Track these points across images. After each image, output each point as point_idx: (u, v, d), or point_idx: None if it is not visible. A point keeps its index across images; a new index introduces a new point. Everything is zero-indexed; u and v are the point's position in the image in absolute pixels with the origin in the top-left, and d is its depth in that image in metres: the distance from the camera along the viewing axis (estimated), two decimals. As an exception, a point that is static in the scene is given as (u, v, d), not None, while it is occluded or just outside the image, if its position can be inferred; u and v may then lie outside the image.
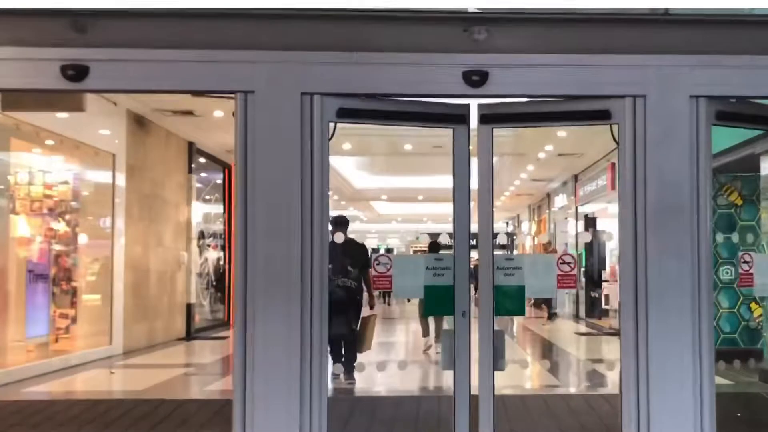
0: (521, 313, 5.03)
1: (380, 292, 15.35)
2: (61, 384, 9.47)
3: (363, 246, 9.23)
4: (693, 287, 4.54)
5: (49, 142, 10.82)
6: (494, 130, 4.69)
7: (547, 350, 13.60)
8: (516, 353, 12.92)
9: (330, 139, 4.50)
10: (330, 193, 16.96)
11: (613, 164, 15.44)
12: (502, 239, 34.43)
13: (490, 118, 4.69)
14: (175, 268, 14.03)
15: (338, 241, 7.98)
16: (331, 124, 4.49)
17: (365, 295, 8.94)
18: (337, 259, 8.42)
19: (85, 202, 11.64)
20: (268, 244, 4.36)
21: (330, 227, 8.99)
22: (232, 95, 4.44)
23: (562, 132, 14.14)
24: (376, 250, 47.53)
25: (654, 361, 4.52)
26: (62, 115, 10.47)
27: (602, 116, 4.66)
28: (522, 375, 9.88)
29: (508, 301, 4.83)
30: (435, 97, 4.64)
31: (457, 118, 4.72)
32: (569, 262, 4.89)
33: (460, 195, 4.77)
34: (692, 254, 4.55)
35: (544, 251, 19.74)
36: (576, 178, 19.13)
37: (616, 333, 14.62)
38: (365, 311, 8.96)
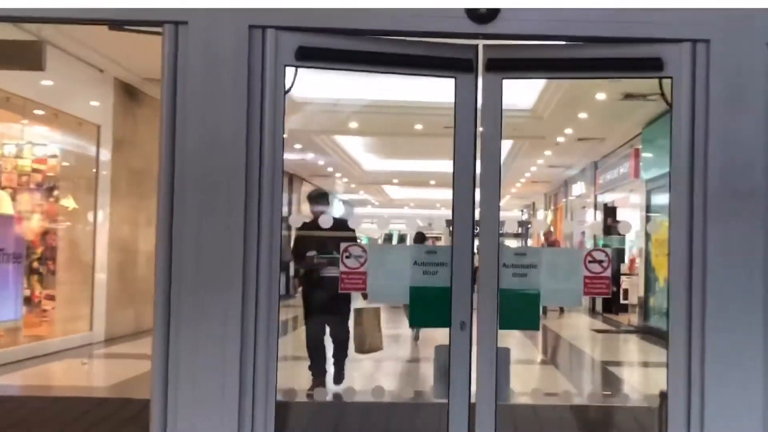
0: (534, 326, 3.82)
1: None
2: (23, 377, 8.37)
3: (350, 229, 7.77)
4: (766, 294, 3.33)
5: (24, 109, 9.73)
6: (506, 81, 3.48)
7: (561, 349, 12.39)
8: (526, 352, 11.72)
9: (288, 91, 3.31)
10: (338, 174, 15.78)
11: (637, 150, 14.16)
12: (511, 227, 31.65)
13: (500, 64, 3.45)
14: (169, 249, 12.91)
15: (323, 223, 6.62)
16: (290, 69, 3.30)
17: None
18: (320, 245, 7.05)
19: (66, 177, 10.58)
20: (201, 222, 3.18)
21: (310, 206, 7.67)
22: (159, 29, 3.26)
23: (583, 113, 12.87)
24: (389, 237, 45.69)
25: (711, 390, 3.32)
26: (46, 82, 9.49)
27: (650, 66, 3.42)
28: (532, 379, 8.70)
29: (517, 311, 3.63)
30: (428, 37, 3.42)
31: (461, 63, 3.48)
32: (601, 261, 3.66)
33: (461, 167, 3.59)
34: (766, 252, 3.34)
35: (545, 242, 18.16)
36: (596, 165, 17.84)
37: (636, 331, 13.46)
38: (360, 303, 7.52)
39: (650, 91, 12.25)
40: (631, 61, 3.42)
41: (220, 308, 3.18)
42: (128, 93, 11.45)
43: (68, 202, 10.58)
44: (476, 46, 3.49)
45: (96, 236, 10.80)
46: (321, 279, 6.94)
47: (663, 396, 3.94)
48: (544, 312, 16.71)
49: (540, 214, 29.33)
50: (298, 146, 16.26)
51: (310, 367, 7.15)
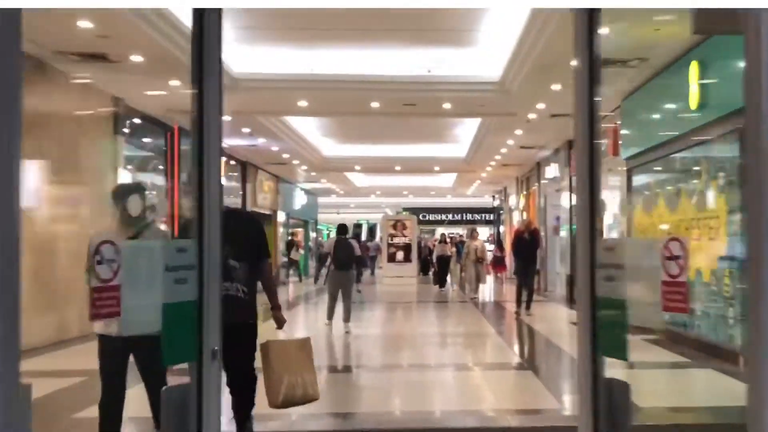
0: (621, 355, 2.49)
1: (327, 269, 11.90)
2: None
3: (254, 222, 5.18)
4: None
5: None
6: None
7: (537, 348, 10.91)
8: (502, 354, 10.26)
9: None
10: (296, 162, 13.90)
11: (615, 126, 12.73)
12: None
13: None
14: (97, 247, 11.24)
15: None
16: None
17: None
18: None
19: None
20: None
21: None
22: None
23: (555, 85, 11.41)
24: (358, 226, 42.58)
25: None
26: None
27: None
28: (508, 392, 7.25)
29: (605, 330, 2.57)
30: None
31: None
32: (678, 256, 2.28)
33: (207, 132, 2.53)
34: None
35: (526, 232, 15.29)
36: (570, 144, 16.38)
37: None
38: (274, 333, 4.98)
39: (629, 56, 10.84)
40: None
41: None
42: (38, 69, 9.78)
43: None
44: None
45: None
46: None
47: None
48: (528, 307, 15.13)
49: (512, 199, 27.89)
50: (246, 130, 14.67)
51: None
